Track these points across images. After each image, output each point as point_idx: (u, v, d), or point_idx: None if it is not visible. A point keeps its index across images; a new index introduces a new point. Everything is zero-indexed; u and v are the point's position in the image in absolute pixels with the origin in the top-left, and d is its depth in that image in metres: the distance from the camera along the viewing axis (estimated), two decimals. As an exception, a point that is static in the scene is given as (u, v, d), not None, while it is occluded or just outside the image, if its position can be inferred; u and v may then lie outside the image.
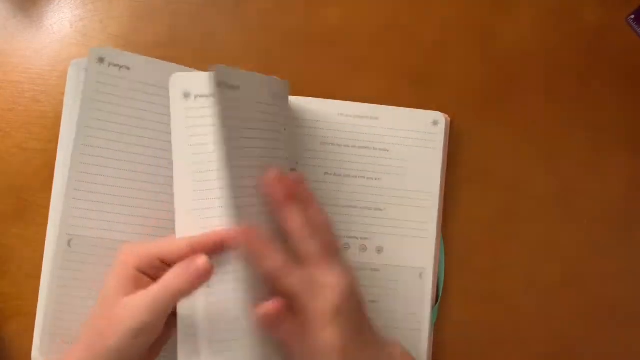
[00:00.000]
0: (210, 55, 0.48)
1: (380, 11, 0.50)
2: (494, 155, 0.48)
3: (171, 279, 0.36)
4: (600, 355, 0.47)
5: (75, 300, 0.42)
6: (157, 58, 0.43)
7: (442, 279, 0.47)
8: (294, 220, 0.38)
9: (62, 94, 0.47)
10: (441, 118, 0.47)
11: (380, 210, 0.46)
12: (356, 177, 0.47)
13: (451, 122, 0.48)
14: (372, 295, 0.46)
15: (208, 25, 0.49)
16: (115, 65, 0.41)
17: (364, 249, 0.46)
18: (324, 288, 0.36)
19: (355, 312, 0.37)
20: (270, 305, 0.36)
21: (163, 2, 0.49)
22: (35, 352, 0.43)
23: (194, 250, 0.37)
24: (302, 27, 0.49)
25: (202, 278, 0.36)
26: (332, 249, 0.39)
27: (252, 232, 0.37)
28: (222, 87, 0.37)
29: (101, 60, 0.41)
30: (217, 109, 0.36)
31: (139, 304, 0.35)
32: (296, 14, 0.49)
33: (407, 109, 0.47)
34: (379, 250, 0.46)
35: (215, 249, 0.38)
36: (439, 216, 0.47)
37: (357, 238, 0.46)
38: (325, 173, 0.46)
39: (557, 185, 0.48)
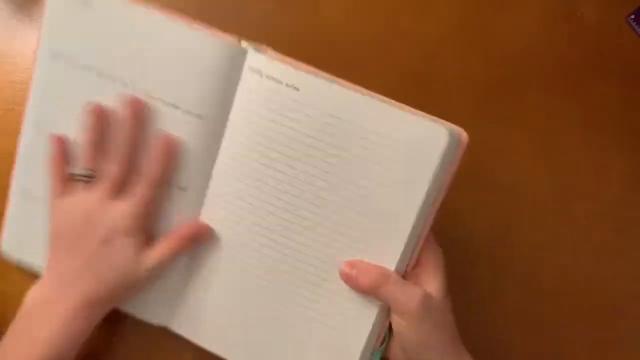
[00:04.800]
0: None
1: (380, 11, 0.50)
2: (494, 155, 0.48)
3: (179, 235, 0.40)
4: (599, 355, 0.47)
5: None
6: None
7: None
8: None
9: (62, 94, 0.47)
10: (444, 134, 0.37)
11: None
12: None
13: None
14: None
15: (208, 25, 0.49)
16: None
17: None
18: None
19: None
20: None
21: (162, 3, 0.49)
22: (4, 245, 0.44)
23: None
24: (302, 27, 0.49)
25: (205, 238, 0.41)
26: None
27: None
28: None
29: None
30: None
31: (152, 259, 0.39)
32: (296, 14, 0.49)
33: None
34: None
35: None
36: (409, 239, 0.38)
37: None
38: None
39: (557, 186, 0.48)
